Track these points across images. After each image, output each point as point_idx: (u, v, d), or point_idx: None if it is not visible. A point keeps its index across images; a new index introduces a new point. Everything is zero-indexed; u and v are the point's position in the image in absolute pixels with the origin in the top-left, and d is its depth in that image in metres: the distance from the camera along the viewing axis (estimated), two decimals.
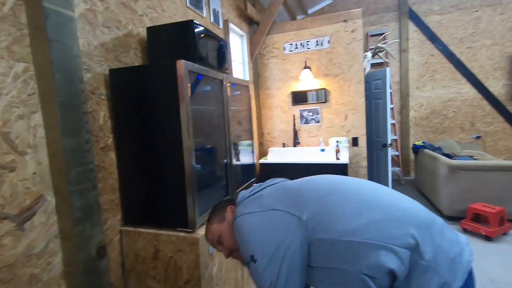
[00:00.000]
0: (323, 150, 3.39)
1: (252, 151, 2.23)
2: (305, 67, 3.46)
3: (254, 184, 2.20)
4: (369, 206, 0.81)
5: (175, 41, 1.51)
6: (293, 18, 4.86)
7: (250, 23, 3.50)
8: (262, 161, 3.38)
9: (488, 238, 2.71)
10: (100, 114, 1.36)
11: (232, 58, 3.06)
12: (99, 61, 1.36)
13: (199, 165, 1.35)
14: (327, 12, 5.18)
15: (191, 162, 1.30)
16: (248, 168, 2.13)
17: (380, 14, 5.02)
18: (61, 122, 1.07)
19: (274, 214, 0.84)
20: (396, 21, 4.93)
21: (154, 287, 1.41)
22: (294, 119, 3.62)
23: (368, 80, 3.85)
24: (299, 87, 3.59)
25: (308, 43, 3.49)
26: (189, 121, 1.28)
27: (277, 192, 0.93)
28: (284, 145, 3.72)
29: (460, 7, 4.61)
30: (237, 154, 1.93)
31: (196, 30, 1.46)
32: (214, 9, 2.59)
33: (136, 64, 1.60)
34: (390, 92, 4.58)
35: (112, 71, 1.39)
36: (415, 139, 4.95)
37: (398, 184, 4.79)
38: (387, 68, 3.58)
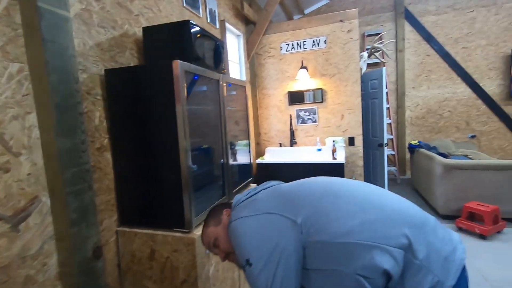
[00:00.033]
0: (319, 149, 3.40)
1: (249, 151, 2.23)
2: (302, 67, 3.47)
3: (252, 184, 2.21)
4: (362, 207, 0.81)
5: (172, 41, 1.51)
6: (290, 18, 4.87)
7: (247, 23, 3.50)
8: (259, 161, 3.39)
9: (482, 237, 2.74)
10: (96, 115, 1.36)
11: (229, 58, 3.06)
12: (95, 61, 1.36)
13: (195, 165, 1.35)
14: (323, 12, 5.19)
15: (187, 162, 1.30)
16: (245, 168, 2.13)
17: (376, 14, 5.04)
18: (56, 123, 1.06)
19: (269, 217, 0.85)
20: (392, 21, 4.95)
21: None
22: (291, 119, 3.63)
23: (365, 80, 3.87)
24: (295, 87, 3.60)
25: (304, 43, 3.50)
26: (185, 121, 1.28)
27: (272, 196, 0.94)
28: (281, 145, 3.73)
29: (455, 7, 4.64)
30: (233, 154, 1.94)
31: (192, 30, 1.46)
32: (210, 9, 2.59)
33: (132, 64, 1.60)
34: (386, 92, 4.61)
35: (107, 71, 1.38)
36: (411, 139, 4.98)
37: (394, 183, 4.82)
38: (383, 68, 3.60)
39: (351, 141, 3.46)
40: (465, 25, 4.63)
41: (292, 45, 3.55)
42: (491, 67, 4.60)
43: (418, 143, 4.19)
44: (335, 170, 3.01)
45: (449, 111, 4.86)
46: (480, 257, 2.42)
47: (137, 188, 1.41)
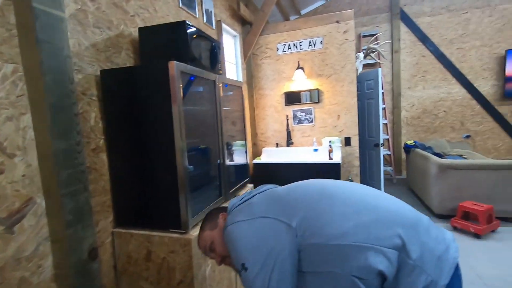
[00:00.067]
0: (316, 150, 3.41)
1: (246, 151, 2.23)
2: (298, 68, 3.48)
3: (248, 185, 2.21)
4: (356, 209, 0.82)
5: (168, 42, 1.51)
6: (286, 18, 4.88)
7: (243, 23, 3.50)
8: (255, 161, 3.39)
9: (477, 236, 2.77)
10: (91, 115, 1.35)
11: (225, 59, 3.06)
12: (90, 62, 1.35)
13: (191, 166, 1.35)
14: (320, 12, 5.21)
15: (184, 162, 1.30)
16: (241, 169, 2.14)
17: (372, 15, 5.07)
18: (51, 124, 1.06)
19: (264, 221, 0.86)
20: (388, 22, 4.99)
21: None
22: (288, 119, 3.64)
23: (361, 81, 3.89)
24: (292, 87, 3.61)
25: (301, 43, 3.51)
26: (181, 122, 1.28)
27: (266, 200, 0.94)
28: (277, 145, 3.73)
29: (450, 8, 4.69)
30: (230, 155, 1.94)
31: (188, 30, 1.46)
32: (207, 10, 2.59)
33: (128, 65, 1.59)
34: (382, 92, 4.64)
35: (103, 72, 1.38)
36: (406, 139, 5.02)
37: (390, 183, 4.85)
38: (379, 69, 3.63)
39: (347, 141, 3.47)
40: (459, 26, 4.68)
41: (289, 45, 3.56)
42: (485, 67, 4.65)
43: (413, 143, 4.22)
44: (331, 170, 3.02)
45: (444, 111, 4.90)
46: (475, 256, 2.44)
47: (133, 189, 1.41)
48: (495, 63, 4.59)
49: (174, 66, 1.24)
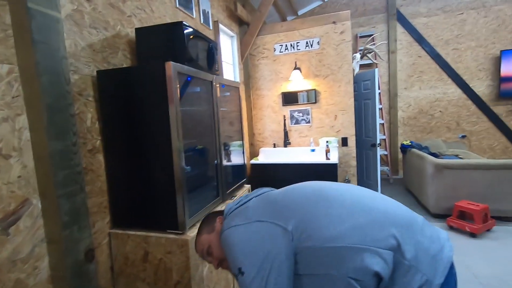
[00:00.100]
0: (313, 150, 3.42)
1: (243, 152, 2.24)
2: (295, 68, 3.49)
3: (246, 185, 2.21)
4: (351, 211, 0.83)
5: (164, 43, 1.51)
6: (283, 19, 4.89)
7: (240, 24, 3.50)
8: (253, 161, 3.39)
9: (472, 235, 2.79)
10: (88, 116, 1.35)
11: (223, 59, 3.06)
12: (87, 62, 1.35)
13: (189, 167, 1.35)
14: (317, 13, 5.23)
15: (181, 163, 1.30)
16: (238, 169, 2.14)
17: (369, 16, 5.09)
18: (47, 125, 1.05)
19: (260, 225, 0.86)
20: (385, 22, 5.01)
21: None
22: (285, 120, 3.65)
23: (357, 81, 3.91)
24: (289, 87, 3.62)
25: (298, 44, 3.52)
26: (178, 122, 1.28)
27: (262, 203, 0.95)
28: (275, 146, 3.74)
29: (446, 9, 4.72)
30: (227, 155, 1.94)
31: (185, 31, 1.46)
32: (204, 10, 2.59)
33: (124, 65, 1.59)
34: (379, 93, 4.66)
35: (100, 72, 1.38)
36: (403, 139, 5.05)
37: (387, 183, 4.87)
38: (376, 69, 3.65)
39: (344, 142, 3.49)
40: (455, 27, 4.71)
41: (286, 46, 3.57)
42: (480, 68, 4.69)
43: (410, 143, 4.25)
44: (328, 170, 3.04)
45: (440, 111, 4.94)
46: (470, 255, 2.46)
47: (130, 190, 1.41)
48: (490, 64, 4.63)
49: (171, 67, 1.24)
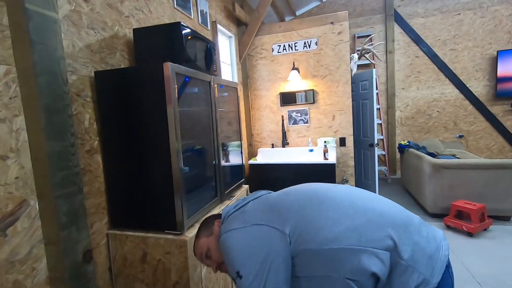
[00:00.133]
0: (311, 150, 3.43)
1: (241, 152, 2.24)
2: (293, 68, 3.50)
3: (244, 186, 2.21)
4: (347, 213, 0.84)
5: (163, 43, 1.51)
6: (282, 19, 4.90)
7: (239, 24, 3.51)
8: (251, 162, 3.39)
9: (469, 234, 2.81)
10: (86, 117, 1.34)
11: (221, 59, 3.06)
12: (85, 63, 1.34)
13: (187, 167, 1.35)
14: (315, 14, 5.24)
15: (179, 163, 1.30)
16: (237, 169, 2.14)
17: (367, 16, 5.11)
18: (44, 125, 1.05)
19: (258, 229, 0.87)
20: (382, 23, 5.03)
21: None
22: (283, 120, 3.66)
23: (355, 81, 3.92)
24: (287, 88, 3.62)
25: (296, 44, 3.53)
26: (176, 123, 1.28)
27: (260, 206, 0.95)
28: (273, 146, 3.74)
29: (443, 10, 4.75)
30: (226, 155, 1.94)
31: (183, 32, 1.46)
32: (202, 11, 2.59)
33: (123, 66, 1.59)
34: (377, 93, 4.68)
35: (97, 73, 1.37)
36: (401, 139, 5.07)
37: (385, 183, 4.89)
38: (374, 70, 3.66)
39: (342, 142, 3.50)
40: (452, 27, 4.74)
41: (284, 46, 3.57)
42: (477, 68, 4.72)
43: (407, 143, 4.27)
44: (326, 170, 3.04)
45: (437, 111, 4.96)
46: (467, 254, 2.48)
47: (128, 191, 1.40)
48: (487, 64, 4.66)
49: (169, 67, 1.24)
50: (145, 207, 1.39)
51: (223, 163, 1.85)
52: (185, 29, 1.48)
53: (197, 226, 1.41)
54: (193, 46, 1.56)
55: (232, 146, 2.08)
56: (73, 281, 1.14)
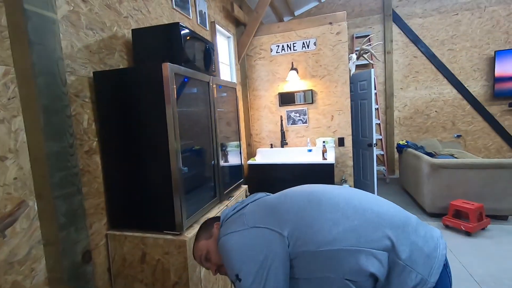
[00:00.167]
0: (310, 150, 3.43)
1: (240, 152, 2.24)
2: (292, 69, 3.50)
3: (243, 186, 2.22)
4: (344, 214, 0.84)
5: (161, 43, 1.51)
6: (280, 19, 4.90)
7: (237, 24, 3.51)
8: (250, 162, 3.39)
9: (467, 234, 2.82)
10: (84, 117, 1.34)
11: (220, 60, 3.06)
12: (83, 64, 1.34)
13: (185, 167, 1.36)
14: (313, 14, 5.25)
15: (178, 164, 1.30)
16: (236, 169, 2.14)
17: (365, 17, 5.12)
18: (43, 126, 1.05)
19: (256, 231, 0.87)
20: (381, 23, 5.05)
21: None
22: (282, 120, 3.66)
23: (354, 81, 3.93)
24: (286, 88, 3.63)
25: (294, 44, 3.53)
26: (175, 123, 1.28)
27: (258, 209, 0.96)
28: (272, 146, 3.75)
29: (441, 10, 4.77)
30: (224, 156, 1.94)
31: (182, 32, 1.46)
32: (200, 11, 2.59)
33: (121, 66, 1.59)
34: (375, 93, 4.69)
35: (96, 73, 1.37)
36: (399, 139, 5.08)
37: (383, 183, 4.90)
38: (372, 70, 3.67)
39: (341, 142, 3.51)
40: (450, 27, 4.76)
41: (283, 46, 3.58)
42: (475, 68, 4.73)
43: (406, 143, 4.28)
44: (325, 170, 3.05)
45: (435, 111, 4.98)
46: (466, 253, 2.49)
47: (127, 191, 1.40)
48: (485, 64, 4.68)
49: (168, 68, 1.24)
50: (144, 207, 1.39)
51: (222, 163, 1.85)
52: (184, 30, 1.48)
53: (196, 226, 1.42)
54: (191, 47, 1.57)
55: (231, 146, 2.08)
56: (72, 281, 1.14)
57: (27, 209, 1.06)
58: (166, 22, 2.03)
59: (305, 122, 3.61)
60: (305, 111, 3.58)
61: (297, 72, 3.49)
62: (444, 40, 4.80)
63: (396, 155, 5.02)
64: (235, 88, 2.20)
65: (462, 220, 2.89)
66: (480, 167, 3.09)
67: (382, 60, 5.07)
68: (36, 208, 1.09)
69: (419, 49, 4.90)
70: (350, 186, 3.47)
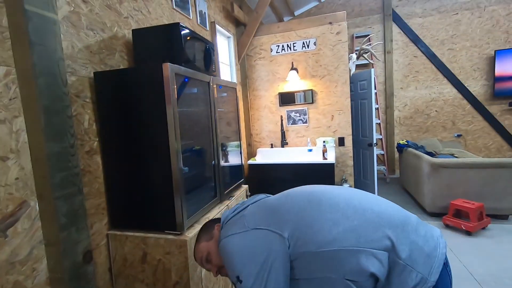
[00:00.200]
0: (310, 150, 3.44)
1: (240, 152, 2.24)
2: (292, 69, 3.50)
3: (243, 186, 2.22)
4: (344, 214, 0.84)
5: (162, 44, 1.51)
6: (280, 19, 4.90)
7: (237, 24, 3.51)
8: (250, 162, 3.40)
9: (468, 233, 2.82)
10: (85, 118, 1.35)
11: (220, 60, 3.06)
12: (84, 64, 1.35)
13: (186, 167, 1.36)
14: (313, 14, 5.25)
15: (178, 164, 1.30)
16: (236, 169, 2.14)
17: (365, 16, 5.12)
18: (44, 126, 1.05)
19: (257, 233, 0.88)
20: (381, 23, 5.05)
21: None
22: (282, 120, 3.66)
23: (354, 81, 3.93)
24: (286, 88, 3.63)
25: (294, 44, 3.53)
26: (175, 123, 1.29)
27: (258, 210, 0.96)
28: (272, 146, 3.75)
29: (441, 10, 4.77)
30: (225, 156, 1.94)
31: (182, 32, 1.46)
32: (200, 11, 2.59)
33: (122, 67, 1.59)
34: (375, 93, 4.69)
35: (97, 74, 1.38)
36: (399, 138, 5.08)
37: (383, 182, 4.90)
38: (372, 69, 3.67)
39: (341, 141, 3.51)
40: (450, 27, 4.76)
41: (283, 46, 3.58)
42: (475, 68, 4.74)
43: (406, 143, 4.28)
44: (325, 170, 3.05)
45: (436, 111, 4.98)
46: (466, 252, 2.49)
47: (128, 191, 1.41)
48: (485, 64, 4.68)
49: (168, 68, 1.25)
50: (145, 207, 1.39)
51: (222, 163, 1.85)
52: (184, 30, 1.48)
53: (196, 226, 1.42)
54: (192, 47, 1.57)
55: (231, 146, 2.08)
56: (73, 281, 1.14)
57: (29, 209, 1.06)
58: (166, 23, 2.03)
59: (305, 122, 3.61)
60: (305, 111, 3.59)
61: (297, 72, 3.49)
62: (444, 40, 4.80)
63: (396, 154, 5.02)
64: (235, 88, 2.21)
65: (463, 220, 2.89)
66: (480, 166, 3.09)
67: (382, 59, 5.07)
68: (38, 208, 1.09)
69: (419, 48, 4.90)
70: (351, 186, 3.47)
